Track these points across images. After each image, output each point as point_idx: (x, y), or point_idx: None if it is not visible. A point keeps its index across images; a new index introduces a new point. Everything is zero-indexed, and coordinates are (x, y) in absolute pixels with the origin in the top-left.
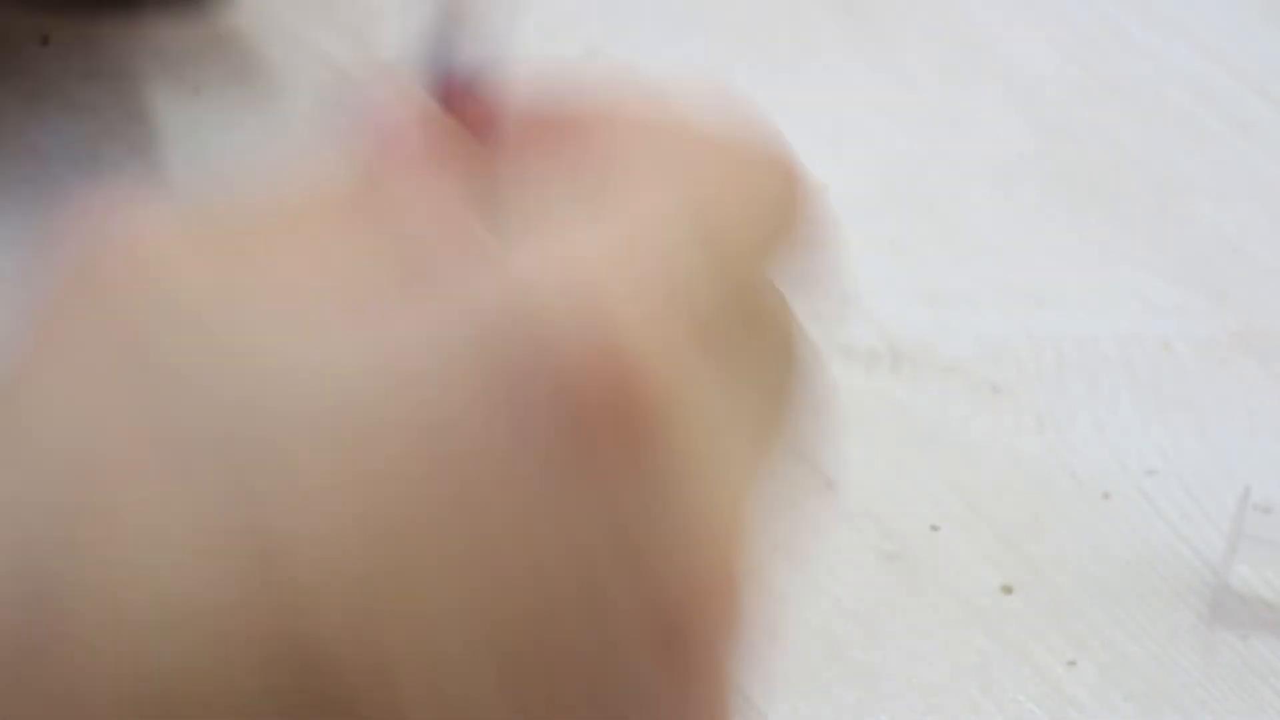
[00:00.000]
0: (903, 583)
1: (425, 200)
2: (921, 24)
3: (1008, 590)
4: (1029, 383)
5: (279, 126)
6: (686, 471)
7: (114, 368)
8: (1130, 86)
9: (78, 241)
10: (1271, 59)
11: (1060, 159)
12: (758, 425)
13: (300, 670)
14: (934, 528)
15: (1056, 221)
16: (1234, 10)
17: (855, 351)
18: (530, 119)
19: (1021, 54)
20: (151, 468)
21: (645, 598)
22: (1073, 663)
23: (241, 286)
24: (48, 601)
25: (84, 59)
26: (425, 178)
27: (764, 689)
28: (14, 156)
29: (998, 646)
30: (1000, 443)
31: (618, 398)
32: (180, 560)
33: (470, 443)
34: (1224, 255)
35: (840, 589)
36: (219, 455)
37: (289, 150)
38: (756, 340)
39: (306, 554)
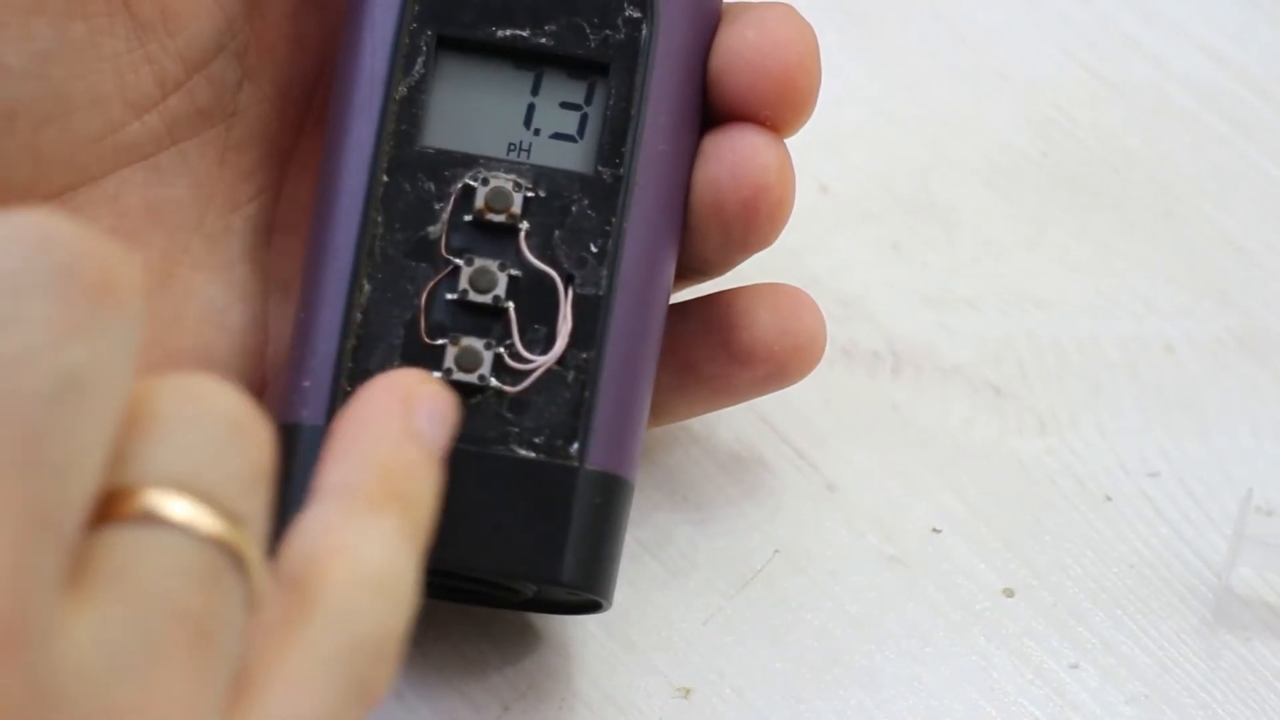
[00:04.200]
0: (904, 586)
1: None
2: (921, 25)
3: (1009, 593)
4: (1030, 385)
5: None
6: None
7: None
8: (1132, 88)
9: None
10: (1273, 59)
11: (1062, 160)
12: None
13: None
14: (935, 530)
15: (1058, 223)
16: (1236, 10)
17: (856, 354)
18: None
19: (1022, 55)
20: None
21: None
22: (1075, 666)
23: None
24: None
25: None
26: None
27: (764, 691)
28: None
29: (999, 649)
30: (1002, 445)
31: None
32: None
33: None
34: (1226, 257)
35: (841, 592)
36: None
37: None
38: None
39: None
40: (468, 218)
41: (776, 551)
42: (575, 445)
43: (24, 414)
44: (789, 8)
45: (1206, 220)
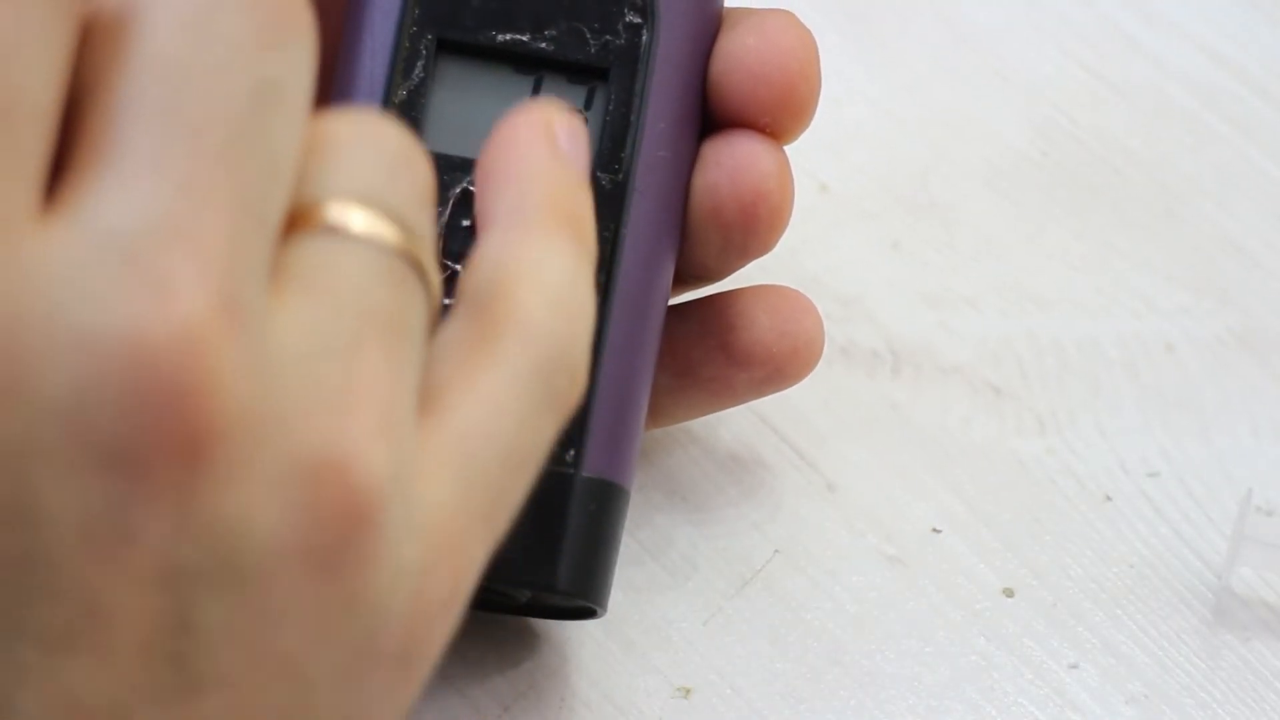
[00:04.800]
0: (903, 585)
1: None
2: (922, 26)
3: (1009, 593)
4: (1030, 384)
5: None
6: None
7: None
8: (1131, 87)
9: None
10: (1273, 59)
11: (1061, 160)
12: None
13: None
14: (935, 530)
15: (1058, 222)
16: (1236, 11)
17: (856, 354)
18: None
19: (1022, 55)
20: None
21: None
22: (1074, 665)
23: None
24: None
25: None
26: None
27: (764, 691)
28: None
29: (999, 649)
30: (1001, 445)
31: (163, 423)
32: None
33: None
34: (1226, 256)
35: (841, 592)
36: None
37: None
38: None
39: None
40: (465, 223)
41: (776, 551)
42: (571, 452)
43: (231, 113)
44: (790, 14)
45: (1206, 220)
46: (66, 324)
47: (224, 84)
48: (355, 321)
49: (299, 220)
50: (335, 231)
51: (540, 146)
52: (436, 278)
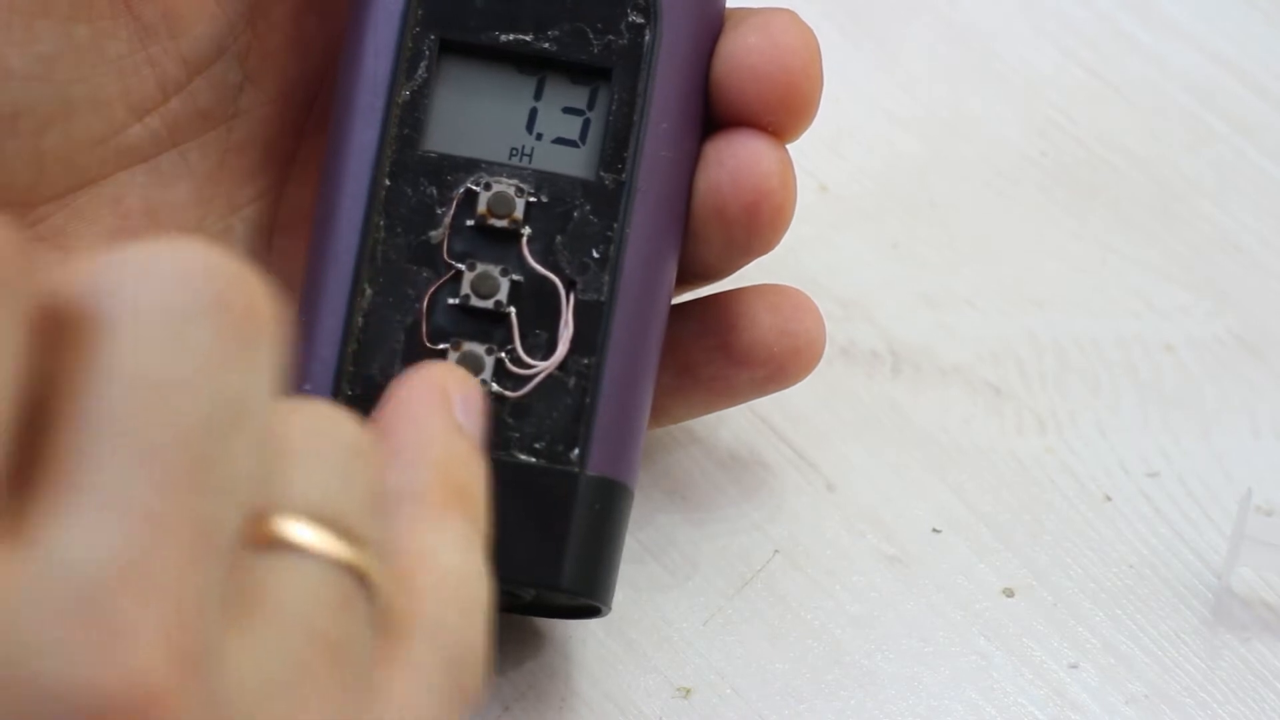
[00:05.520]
0: (903, 586)
1: None
2: (921, 25)
3: (1009, 593)
4: (1030, 384)
5: None
6: None
7: None
8: (1131, 87)
9: None
10: (1273, 59)
11: (1061, 160)
12: None
13: None
14: (935, 530)
15: (1057, 222)
16: (1236, 11)
17: (856, 354)
18: None
19: (1022, 54)
20: None
21: None
22: (1074, 665)
23: None
24: None
25: None
26: None
27: (764, 691)
28: None
29: (999, 649)
30: (1001, 445)
31: None
32: None
33: None
34: (1226, 256)
35: (841, 592)
36: None
37: None
38: None
39: None
40: (470, 222)
41: (776, 551)
42: (576, 451)
43: (191, 439)
44: (792, 14)
45: (1206, 220)
46: (18, 671)
47: (189, 404)
48: (301, 652)
49: (252, 530)
50: (283, 546)
51: (435, 417)
52: (383, 583)
